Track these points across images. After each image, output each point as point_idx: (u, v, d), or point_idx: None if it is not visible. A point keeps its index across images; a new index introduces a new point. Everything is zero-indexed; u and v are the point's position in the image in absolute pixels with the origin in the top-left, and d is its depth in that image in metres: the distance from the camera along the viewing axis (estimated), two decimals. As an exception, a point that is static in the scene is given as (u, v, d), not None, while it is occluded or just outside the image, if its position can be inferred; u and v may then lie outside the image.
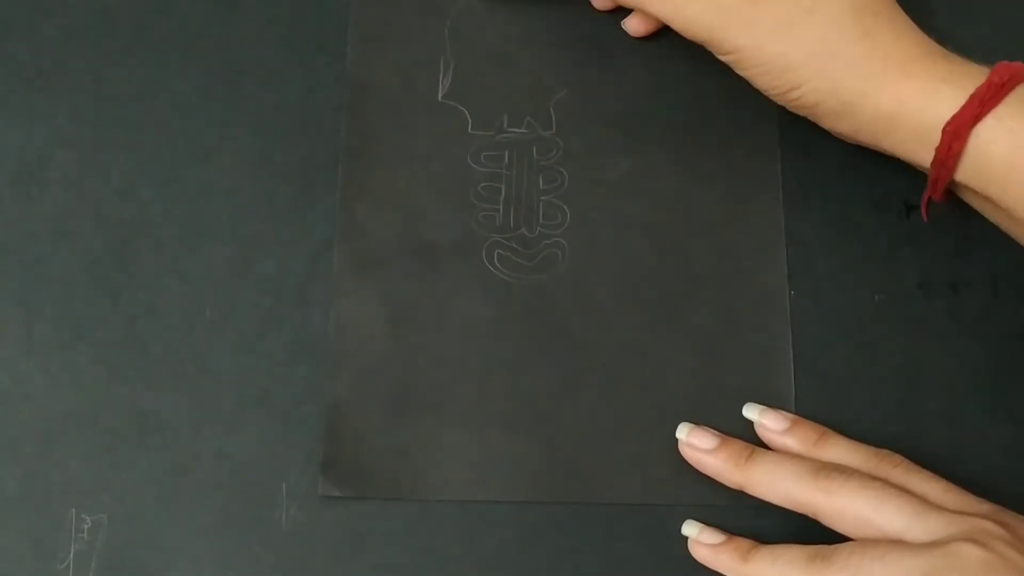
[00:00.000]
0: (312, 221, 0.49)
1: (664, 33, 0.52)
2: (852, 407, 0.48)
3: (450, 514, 0.47)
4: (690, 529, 0.46)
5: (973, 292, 0.49)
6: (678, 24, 0.47)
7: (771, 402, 0.47)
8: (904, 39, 0.45)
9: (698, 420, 0.47)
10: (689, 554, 0.46)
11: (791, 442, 0.46)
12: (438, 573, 0.46)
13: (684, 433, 0.47)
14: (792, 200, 0.50)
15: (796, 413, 0.47)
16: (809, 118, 0.47)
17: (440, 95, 0.51)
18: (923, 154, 0.45)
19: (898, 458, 0.45)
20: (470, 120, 0.51)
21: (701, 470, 0.46)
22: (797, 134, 0.50)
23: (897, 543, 0.41)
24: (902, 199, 0.50)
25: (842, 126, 0.47)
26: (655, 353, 0.48)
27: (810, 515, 0.44)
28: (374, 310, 0.48)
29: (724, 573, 0.45)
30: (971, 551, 0.40)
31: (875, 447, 0.46)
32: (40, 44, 0.51)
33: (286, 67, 0.51)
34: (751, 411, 0.47)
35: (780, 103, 0.47)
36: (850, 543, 0.42)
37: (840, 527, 0.43)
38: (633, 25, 0.51)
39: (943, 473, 0.45)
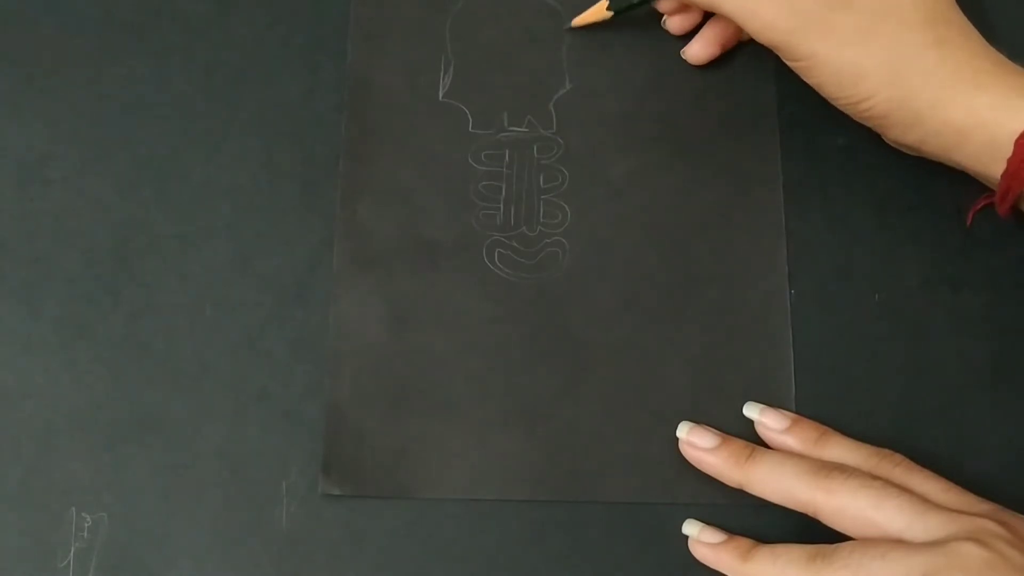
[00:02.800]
0: (312, 220, 0.49)
1: (664, 33, 0.52)
2: (852, 407, 0.48)
3: (450, 513, 0.47)
4: (690, 528, 0.46)
5: (973, 292, 0.49)
6: (753, 26, 0.46)
7: (771, 401, 0.47)
8: (975, 49, 0.45)
9: (698, 419, 0.47)
10: (689, 553, 0.46)
11: (791, 441, 0.46)
12: (438, 572, 0.46)
13: (684, 432, 0.47)
14: (792, 200, 0.50)
15: (796, 412, 0.47)
16: (875, 129, 0.47)
17: (441, 94, 0.51)
18: (994, 167, 0.45)
19: (898, 457, 0.45)
20: (471, 119, 0.51)
21: (701, 469, 0.46)
22: (797, 134, 0.51)
23: (897, 542, 0.41)
24: (902, 199, 0.50)
25: (909, 138, 0.46)
26: (655, 352, 0.48)
27: (810, 514, 0.44)
28: (374, 309, 0.48)
29: (724, 572, 0.45)
30: (971, 550, 0.40)
31: (875, 446, 0.46)
32: (40, 43, 0.51)
33: (286, 67, 0.51)
34: (751, 410, 0.47)
35: (848, 112, 0.47)
36: (851, 542, 0.42)
37: (840, 526, 0.43)
38: (694, 51, 0.51)
39: (943, 473, 0.45)
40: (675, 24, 0.51)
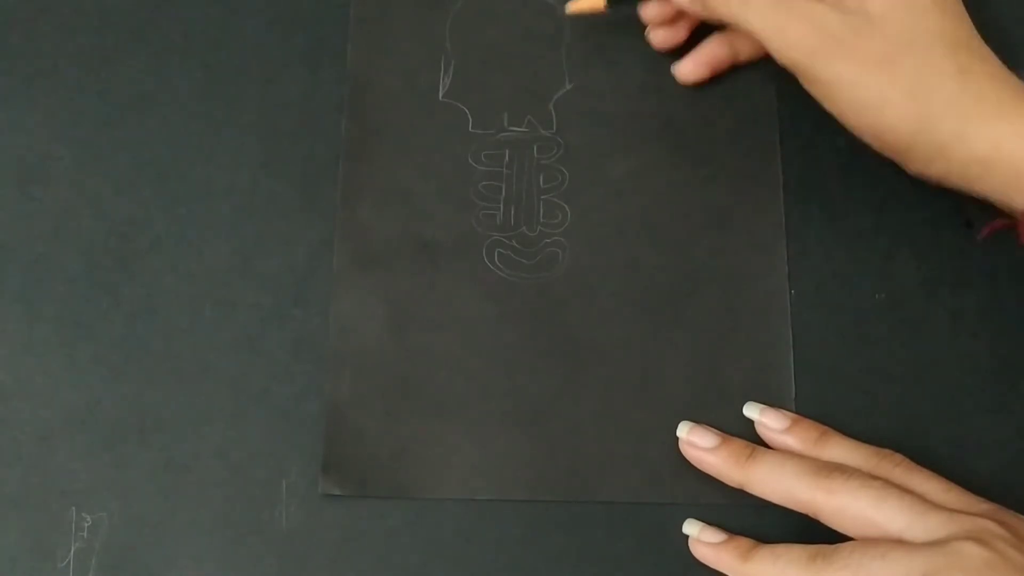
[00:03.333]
0: (312, 220, 0.49)
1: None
2: (852, 407, 0.48)
3: (450, 512, 0.46)
4: (691, 528, 0.46)
5: (973, 292, 0.49)
6: (776, 45, 0.46)
7: (771, 401, 0.47)
8: (997, 78, 0.45)
9: (698, 419, 0.47)
10: (690, 553, 0.46)
11: (791, 441, 0.46)
12: (438, 571, 0.46)
13: (685, 432, 0.47)
14: (792, 200, 0.50)
15: (796, 412, 0.47)
16: (897, 161, 0.47)
17: (440, 94, 0.51)
18: (1019, 199, 0.44)
19: (899, 457, 0.45)
20: (470, 119, 0.51)
21: (702, 469, 0.46)
22: (797, 134, 0.51)
23: (898, 542, 0.41)
24: (902, 199, 0.50)
25: (932, 170, 0.46)
26: (655, 352, 0.48)
27: (811, 514, 0.44)
28: (374, 309, 0.48)
29: (725, 572, 0.45)
30: (972, 550, 0.40)
31: (875, 446, 0.46)
32: (40, 44, 0.51)
33: (286, 67, 0.51)
34: (751, 410, 0.47)
35: (870, 143, 0.46)
36: (851, 542, 0.42)
37: (840, 526, 0.43)
38: (686, 70, 0.51)
39: (943, 472, 0.45)
40: (658, 38, 0.51)
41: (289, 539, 0.46)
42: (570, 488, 0.47)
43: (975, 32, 0.46)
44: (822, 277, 0.49)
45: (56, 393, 0.47)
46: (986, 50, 0.45)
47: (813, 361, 0.48)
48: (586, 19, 0.52)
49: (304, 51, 0.52)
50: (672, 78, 0.51)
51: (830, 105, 0.46)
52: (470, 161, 0.50)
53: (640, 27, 0.52)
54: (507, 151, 0.50)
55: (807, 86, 0.46)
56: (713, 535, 0.45)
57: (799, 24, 0.45)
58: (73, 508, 0.46)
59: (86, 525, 0.46)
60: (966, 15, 0.46)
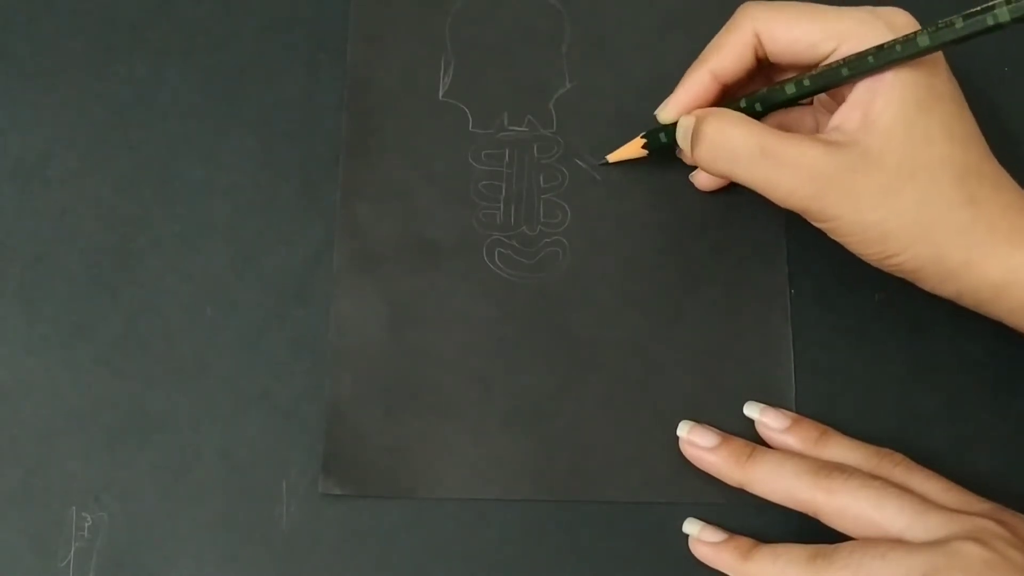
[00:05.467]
0: (312, 220, 0.49)
1: (663, 33, 0.52)
2: (852, 407, 0.48)
3: (450, 512, 0.47)
4: (691, 527, 0.46)
5: (973, 291, 0.49)
6: (773, 196, 0.44)
7: (771, 401, 0.48)
8: (1011, 206, 0.42)
9: (699, 418, 0.47)
10: (690, 552, 0.46)
11: (792, 440, 0.46)
12: (438, 571, 0.46)
13: (685, 431, 0.47)
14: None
15: (796, 412, 0.47)
16: (909, 280, 0.45)
17: (440, 93, 0.51)
18: None
19: (899, 457, 0.45)
20: (471, 118, 0.51)
21: (702, 468, 0.46)
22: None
23: (898, 542, 0.41)
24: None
25: (945, 290, 0.44)
26: (655, 352, 0.48)
27: (811, 514, 0.44)
28: (374, 309, 0.48)
29: (725, 572, 0.45)
30: (972, 550, 0.40)
31: (875, 446, 0.46)
32: (41, 43, 0.51)
33: (286, 67, 0.51)
34: (752, 410, 0.47)
35: (879, 267, 0.45)
36: (851, 542, 0.42)
37: (841, 526, 0.43)
38: (702, 181, 0.49)
39: (943, 472, 0.45)
40: (701, 180, 0.49)
41: (289, 539, 0.46)
42: (570, 488, 0.47)
43: (988, 156, 0.43)
44: (822, 277, 0.49)
45: (56, 393, 0.47)
46: (1001, 175, 0.43)
47: (813, 361, 0.48)
48: (586, 19, 0.52)
49: (304, 51, 0.52)
50: (672, 78, 0.51)
51: (835, 238, 0.44)
52: (470, 161, 0.50)
53: (639, 28, 0.52)
54: (507, 151, 0.50)
55: (812, 222, 0.45)
56: (713, 535, 0.46)
57: (790, 174, 0.43)
58: (73, 508, 0.46)
59: (86, 525, 0.46)
60: (978, 138, 0.43)
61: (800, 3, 0.44)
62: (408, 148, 0.50)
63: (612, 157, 0.50)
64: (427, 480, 0.47)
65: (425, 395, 0.47)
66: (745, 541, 0.45)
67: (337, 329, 0.48)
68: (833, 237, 0.44)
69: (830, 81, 0.43)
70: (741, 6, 0.45)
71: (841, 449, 0.45)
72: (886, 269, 0.44)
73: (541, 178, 0.50)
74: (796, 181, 0.43)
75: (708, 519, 0.46)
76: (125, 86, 0.51)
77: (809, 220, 0.44)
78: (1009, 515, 0.43)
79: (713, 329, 0.49)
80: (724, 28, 0.46)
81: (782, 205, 0.44)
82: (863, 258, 0.44)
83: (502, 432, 0.47)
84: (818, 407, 0.48)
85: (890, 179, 0.42)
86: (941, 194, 0.42)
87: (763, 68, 0.46)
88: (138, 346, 0.48)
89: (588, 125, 0.51)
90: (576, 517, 0.47)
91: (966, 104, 0.43)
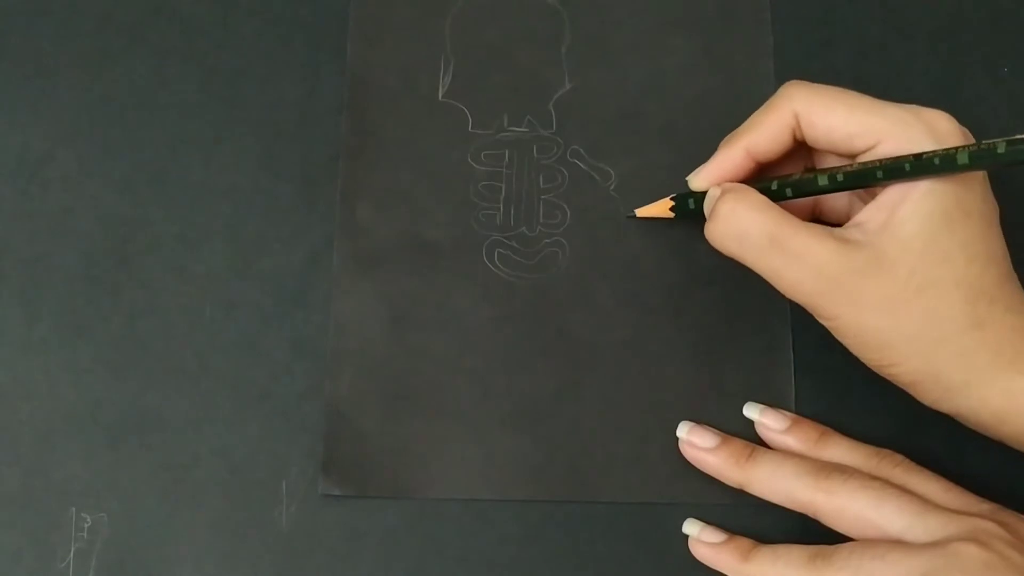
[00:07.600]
0: (312, 220, 0.49)
1: (663, 33, 0.52)
2: (852, 407, 0.48)
3: (450, 513, 0.47)
4: (691, 528, 0.46)
5: (973, 292, 0.49)
6: (776, 285, 0.43)
7: (771, 402, 0.48)
8: (1019, 329, 0.41)
9: (698, 419, 0.47)
10: (689, 553, 0.46)
11: (791, 441, 0.46)
12: (438, 572, 0.46)
13: (684, 432, 0.47)
14: (792, 200, 0.50)
15: (796, 412, 0.47)
16: (906, 392, 0.44)
17: (440, 94, 0.51)
18: None
19: (899, 457, 0.45)
20: (470, 119, 0.51)
21: (701, 469, 0.46)
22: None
23: (897, 543, 0.41)
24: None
25: (942, 407, 0.43)
26: (655, 352, 0.48)
27: (810, 515, 0.44)
28: (374, 309, 0.48)
29: (724, 572, 0.45)
30: (972, 551, 0.40)
31: (875, 446, 0.46)
32: (40, 44, 0.51)
33: (286, 67, 0.51)
34: (751, 410, 0.47)
35: (878, 372, 0.44)
36: (850, 543, 0.42)
37: (840, 527, 0.43)
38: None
39: (943, 473, 0.45)
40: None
41: (289, 539, 0.46)
42: (570, 488, 0.47)
43: (1009, 277, 0.42)
44: (822, 277, 0.49)
45: (56, 393, 0.47)
46: (1016, 297, 0.42)
47: (813, 361, 0.48)
48: (586, 19, 0.52)
49: (304, 51, 0.52)
50: (672, 78, 0.51)
51: (837, 337, 0.43)
52: (470, 161, 0.50)
53: (639, 29, 0.52)
54: (507, 151, 0.50)
55: (815, 317, 0.44)
56: (713, 535, 0.46)
57: (796, 268, 0.41)
58: (73, 508, 0.46)
59: (86, 525, 0.46)
60: (1001, 259, 0.42)
61: (843, 91, 0.42)
62: (408, 149, 0.50)
63: (640, 212, 0.49)
64: (427, 480, 0.47)
65: (425, 395, 0.47)
66: (745, 542, 0.45)
67: (337, 329, 0.48)
68: (836, 336, 0.43)
69: (864, 181, 0.41)
70: (784, 85, 0.44)
71: (841, 450, 0.45)
72: (883, 375, 0.43)
73: (541, 179, 0.50)
74: (801, 275, 0.41)
75: (708, 520, 0.46)
76: (125, 86, 0.51)
77: (812, 314, 0.43)
78: (1009, 515, 0.43)
79: (713, 329, 0.49)
80: (765, 105, 0.44)
81: (787, 295, 0.43)
82: (864, 361, 0.43)
83: (502, 432, 0.47)
84: (818, 407, 0.48)
85: (898, 290, 0.40)
86: (948, 314, 0.40)
87: (803, 147, 0.45)
88: (138, 346, 0.48)
89: (588, 126, 0.51)
90: (576, 517, 0.47)
91: (996, 221, 0.42)
